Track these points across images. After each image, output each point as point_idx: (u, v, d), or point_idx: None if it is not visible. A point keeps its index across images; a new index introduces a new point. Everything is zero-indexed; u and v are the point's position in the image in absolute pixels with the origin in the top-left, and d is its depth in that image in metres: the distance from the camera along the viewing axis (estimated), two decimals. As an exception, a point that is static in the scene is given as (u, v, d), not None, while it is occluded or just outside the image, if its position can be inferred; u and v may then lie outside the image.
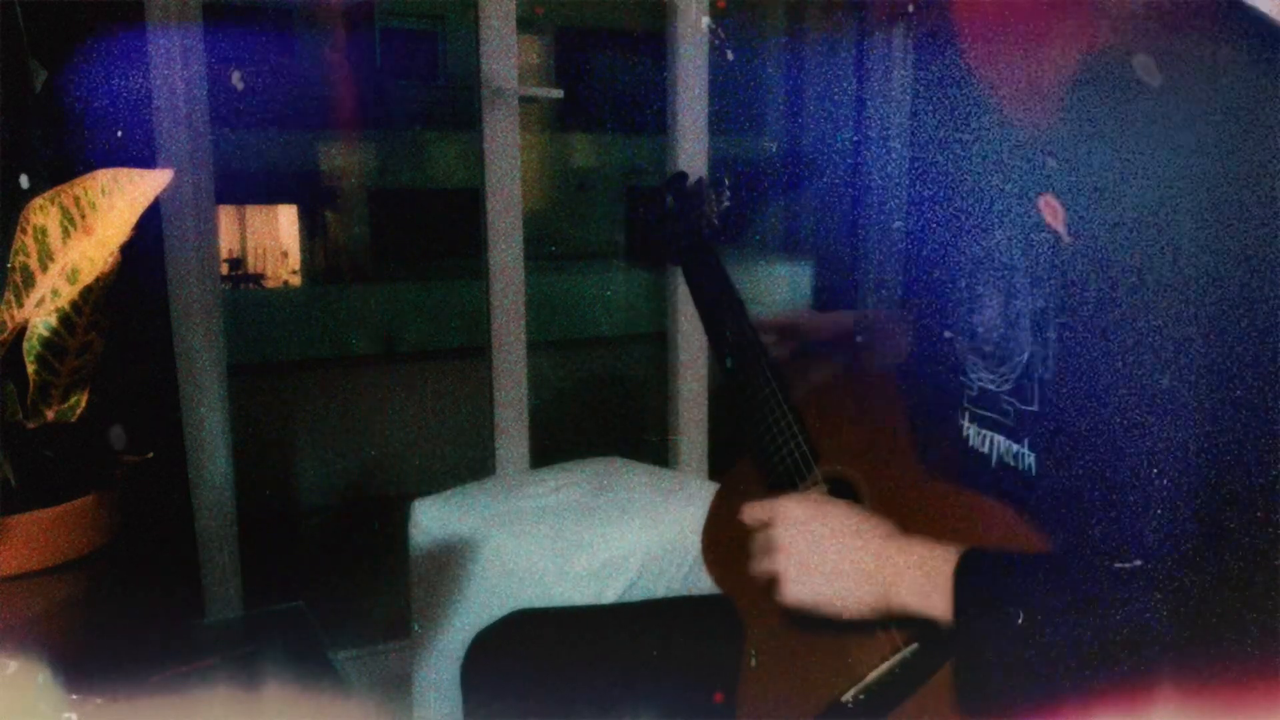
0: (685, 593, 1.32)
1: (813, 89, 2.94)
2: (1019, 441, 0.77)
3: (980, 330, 0.81)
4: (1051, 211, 0.84)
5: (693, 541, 1.33)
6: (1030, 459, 0.76)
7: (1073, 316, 0.72)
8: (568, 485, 1.48)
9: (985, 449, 0.81)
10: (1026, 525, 0.75)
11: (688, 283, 1.08)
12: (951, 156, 0.88)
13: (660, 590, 1.30)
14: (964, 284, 0.83)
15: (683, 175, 1.13)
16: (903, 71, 2.13)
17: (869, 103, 2.19)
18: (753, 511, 0.82)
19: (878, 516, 0.78)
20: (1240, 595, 0.63)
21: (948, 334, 0.85)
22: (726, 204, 1.06)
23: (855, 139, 2.24)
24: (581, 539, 1.29)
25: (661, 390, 2.07)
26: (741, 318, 0.99)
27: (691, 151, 1.94)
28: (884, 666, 0.76)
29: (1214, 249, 0.70)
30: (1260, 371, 0.65)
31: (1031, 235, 0.75)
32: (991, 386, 0.80)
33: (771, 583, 0.79)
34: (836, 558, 0.76)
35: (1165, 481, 0.70)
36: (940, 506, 0.80)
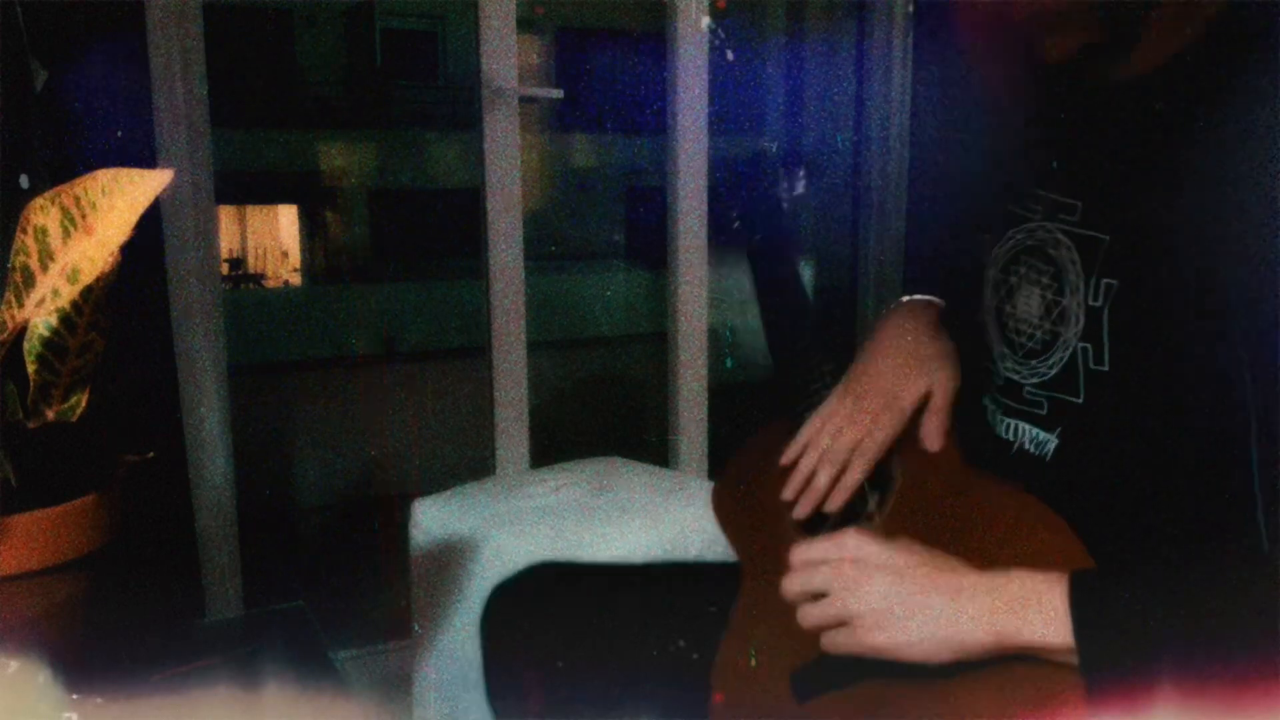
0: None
1: (813, 89, 2.94)
2: (1046, 429, 0.76)
3: (1011, 322, 0.80)
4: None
5: (693, 541, 1.33)
6: (1051, 445, 0.76)
7: (1130, 309, 0.71)
8: (568, 485, 1.48)
9: (1010, 436, 0.80)
10: (1044, 513, 0.74)
11: (754, 276, 1.07)
12: (987, 145, 0.87)
13: (660, 590, 1.30)
14: (997, 276, 0.82)
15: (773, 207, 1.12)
16: (903, 71, 2.13)
17: (869, 103, 2.19)
18: (815, 549, 0.77)
19: (945, 553, 0.74)
20: (1240, 595, 0.63)
21: (977, 324, 0.84)
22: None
23: (855, 139, 2.24)
24: (581, 539, 1.29)
25: (661, 390, 2.07)
26: (802, 315, 0.98)
27: (691, 151, 1.94)
28: None
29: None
30: (1260, 371, 0.65)
31: (1083, 228, 0.74)
32: (1016, 378, 0.79)
33: (840, 624, 0.73)
34: (928, 599, 0.70)
35: (1167, 479, 0.71)
36: (975, 493, 0.79)
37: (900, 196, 2.16)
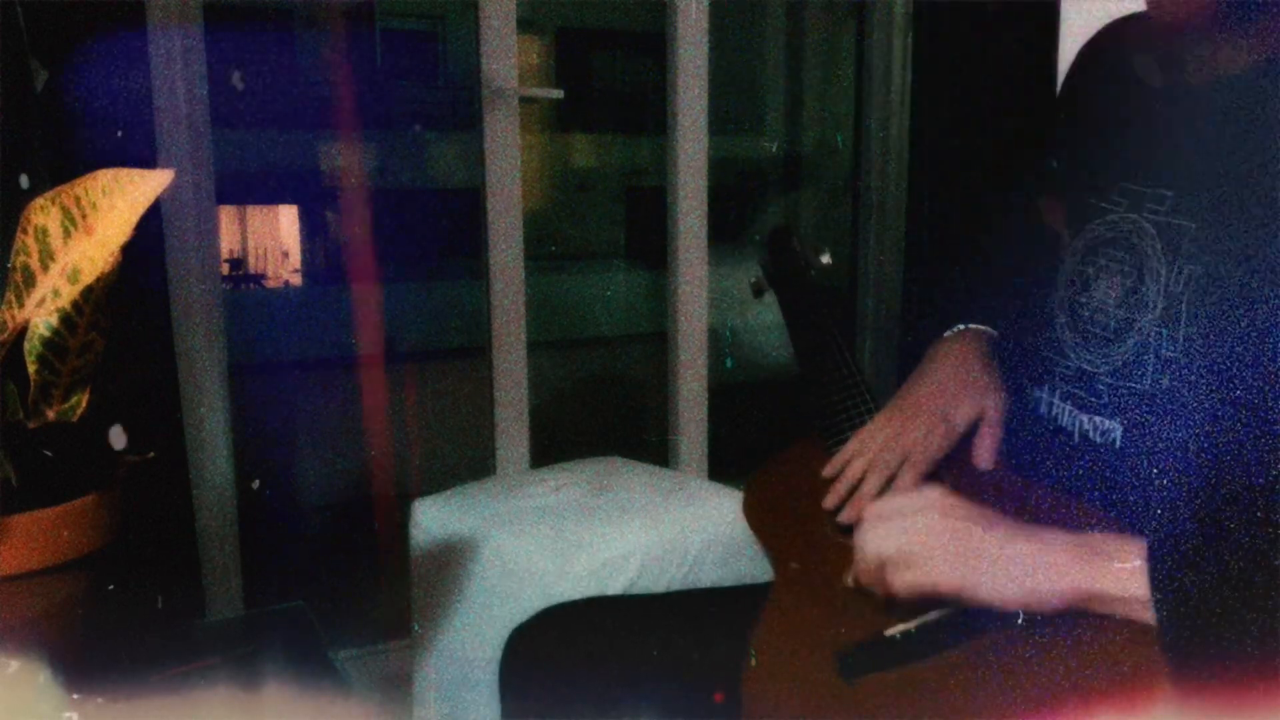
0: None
1: (813, 89, 2.94)
2: (1110, 417, 0.77)
3: (1086, 312, 0.80)
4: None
5: (693, 541, 1.33)
6: (1117, 432, 0.76)
7: (1210, 295, 0.71)
8: (568, 485, 1.48)
9: (1071, 426, 0.80)
10: (1097, 515, 0.75)
11: (779, 300, 1.10)
12: (1072, 140, 0.87)
13: (660, 590, 1.29)
14: (1074, 268, 0.82)
15: (785, 233, 1.14)
16: (903, 71, 2.13)
17: (869, 103, 2.19)
18: (893, 501, 0.77)
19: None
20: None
21: (1046, 314, 0.85)
22: (826, 261, 1.09)
23: (855, 139, 2.24)
24: (581, 539, 1.29)
25: (661, 390, 2.07)
26: (832, 336, 1.00)
27: (691, 151, 1.94)
28: (944, 609, 0.74)
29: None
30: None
31: (1171, 217, 0.75)
32: (1088, 367, 0.79)
33: (892, 567, 0.73)
34: (1010, 544, 0.70)
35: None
36: (1027, 505, 0.80)
37: (900, 196, 2.16)
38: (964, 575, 0.71)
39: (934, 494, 0.76)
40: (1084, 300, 0.80)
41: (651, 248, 2.13)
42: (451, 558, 1.34)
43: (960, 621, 0.73)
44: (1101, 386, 0.78)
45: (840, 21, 2.62)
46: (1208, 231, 0.72)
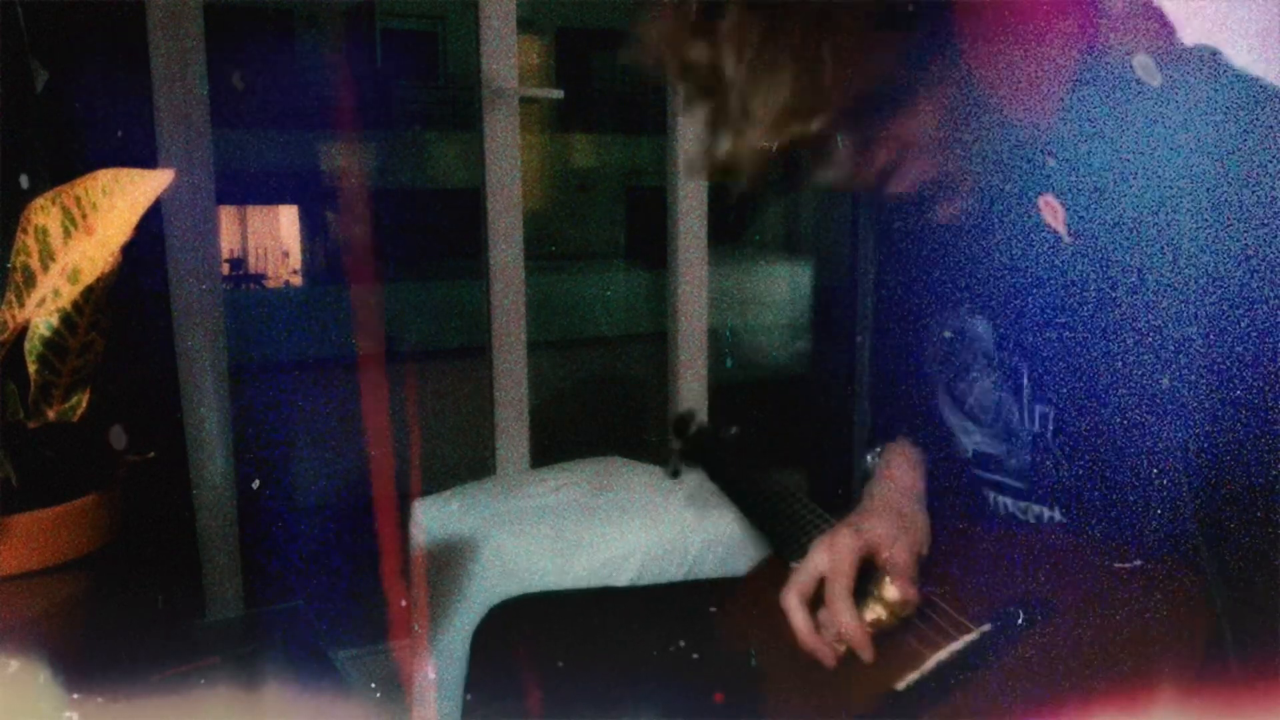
0: (685, 593, 1.32)
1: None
2: (1026, 499, 0.78)
3: (967, 398, 0.80)
4: (1051, 211, 0.84)
5: (693, 541, 1.33)
6: (1031, 511, 0.77)
7: (1074, 318, 0.71)
8: (568, 485, 1.48)
9: (998, 509, 0.81)
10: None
11: (707, 473, 1.17)
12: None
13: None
14: (944, 344, 0.82)
15: (689, 418, 1.22)
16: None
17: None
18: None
19: None
20: (1240, 595, 0.63)
21: (926, 393, 0.85)
22: (734, 431, 1.17)
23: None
24: (581, 539, 1.29)
25: (661, 390, 2.07)
26: (763, 480, 1.05)
27: (691, 152, 1.94)
28: (950, 649, 0.73)
29: (1214, 249, 0.70)
30: (1260, 371, 0.65)
31: (1030, 238, 0.75)
32: (985, 449, 0.80)
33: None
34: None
35: (1165, 481, 0.71)
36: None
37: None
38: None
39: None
40: (960, 385, 0.81)
41: (651, 248, 2.13)
42: (451, 558, 1.34)
43: (962, 661, 0.72)
44: (1006, 467, 0.78)
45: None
46: (1065, 249, 0.72)
